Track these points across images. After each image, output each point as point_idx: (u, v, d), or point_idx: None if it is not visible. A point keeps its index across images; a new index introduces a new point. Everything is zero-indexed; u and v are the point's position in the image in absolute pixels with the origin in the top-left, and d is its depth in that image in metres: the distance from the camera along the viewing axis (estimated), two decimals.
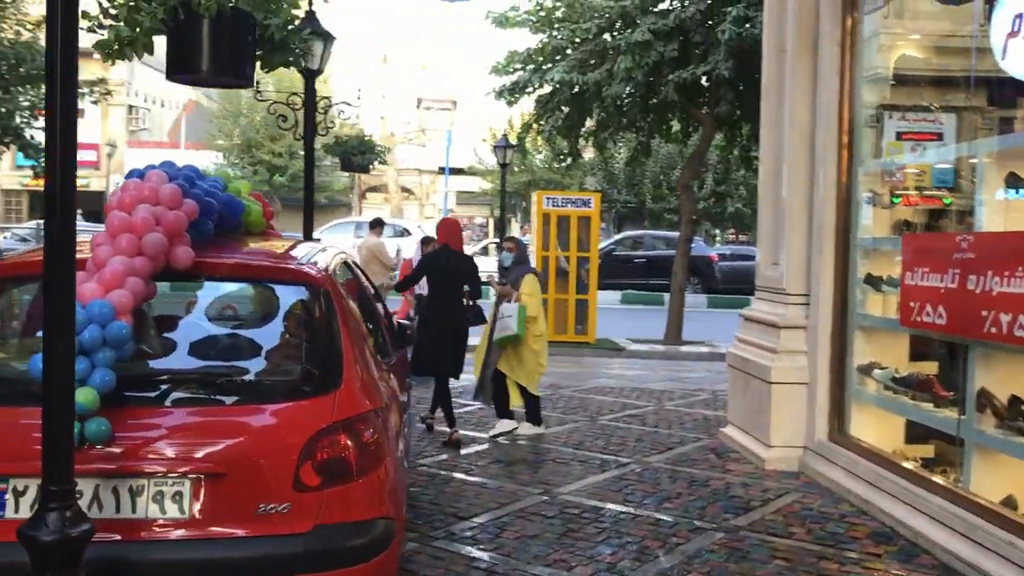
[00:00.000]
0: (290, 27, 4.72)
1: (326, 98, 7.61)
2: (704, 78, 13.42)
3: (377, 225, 12.62)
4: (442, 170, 35.56)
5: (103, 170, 35.36)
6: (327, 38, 7.03)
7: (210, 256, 3.26)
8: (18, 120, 12.49)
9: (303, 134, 7.29)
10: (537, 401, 7.66)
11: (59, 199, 2.51)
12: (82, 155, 36.14)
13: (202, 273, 3.27)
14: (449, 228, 7.53)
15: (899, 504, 5.22)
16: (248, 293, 3.47)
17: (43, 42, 8.97)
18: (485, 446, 7.14)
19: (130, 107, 36.58)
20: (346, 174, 35.98)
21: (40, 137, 13.58)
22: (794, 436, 6.55)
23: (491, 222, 36.42)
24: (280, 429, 2.96)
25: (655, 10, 13.91)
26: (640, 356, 13.63)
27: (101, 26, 3.87)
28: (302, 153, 30.37)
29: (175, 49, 4.04)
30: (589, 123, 16.19)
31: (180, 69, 4.11)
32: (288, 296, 3.35)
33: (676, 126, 16.58)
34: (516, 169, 32.93)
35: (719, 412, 8.49)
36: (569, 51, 14.33)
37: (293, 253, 3.55)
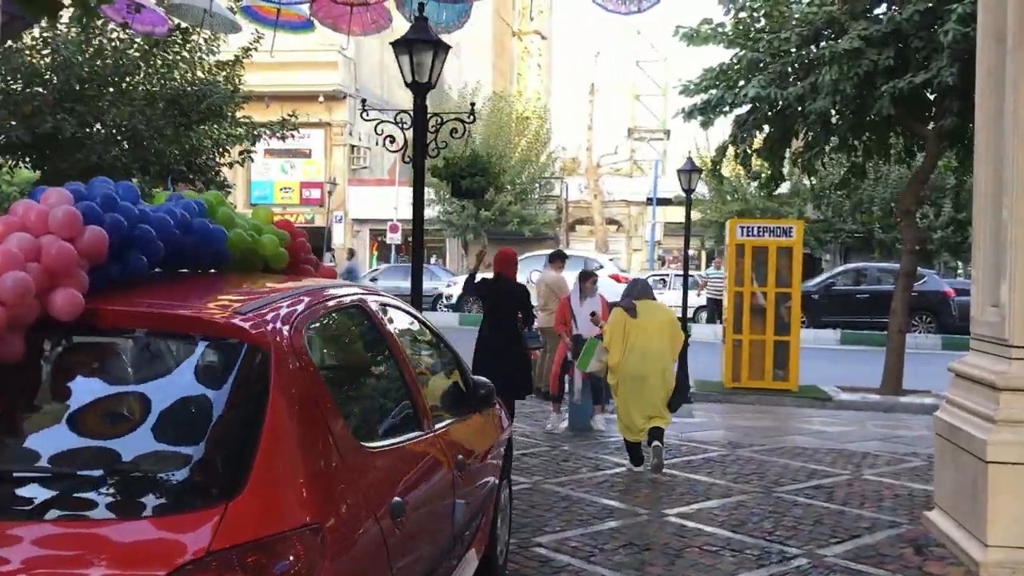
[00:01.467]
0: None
1: (436, 115, 6.89)
2: (926, 88, 11.63)
3: (557, 259, 11.78)
4: (650, 201, 34.37)
5: (326, 207, 36.99)
6: (437, 47, 6.29)
7: (112, 302, 2.46)
8: (204, 157, 12.76)
9: (412, 155, 6.59)
10: (629, 445, 7.48)
11: None
12: (308, 193, 38.25)
13: (95, 324, 2.42)
14: (504, 259, 7.93)
15: None
16: (154, 351, 2.56)
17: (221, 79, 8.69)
18: (613, 523, 6.01)
19: (352, 147, 38.14)
20: (553, 207, 35.70)
21: (224, 173, 13.90)
22: (1021, 534, 4.99)
23: (702, 254, 34.75)
24: (128, 561, 1.95)
25: (868, 15, 12.31)
26: (849, 407, 11.89)
27: None
28: (508, 187, 30.32)
29: None
30: (796, 144, 14.66)
31: None
32: (206, 357, 2.44)
33: (899, 144, 14.71)
34: (729, 198, 31.23)
35: (930, 486, 6.88)
36: (769, 64, 12.92)
37: (260, 296, 2.70)
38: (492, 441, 4.24)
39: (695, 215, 32.38)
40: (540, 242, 36.12)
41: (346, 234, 37.93)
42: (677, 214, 34.35)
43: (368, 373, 3.27)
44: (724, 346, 13.05)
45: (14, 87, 11.73)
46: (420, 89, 6.50)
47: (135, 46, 12.38)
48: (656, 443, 7.13)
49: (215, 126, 12.71)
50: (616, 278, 24.85)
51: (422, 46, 6.17)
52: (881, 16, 12.12)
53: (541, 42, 69.12)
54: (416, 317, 3.91)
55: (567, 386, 9.68)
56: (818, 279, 23.34)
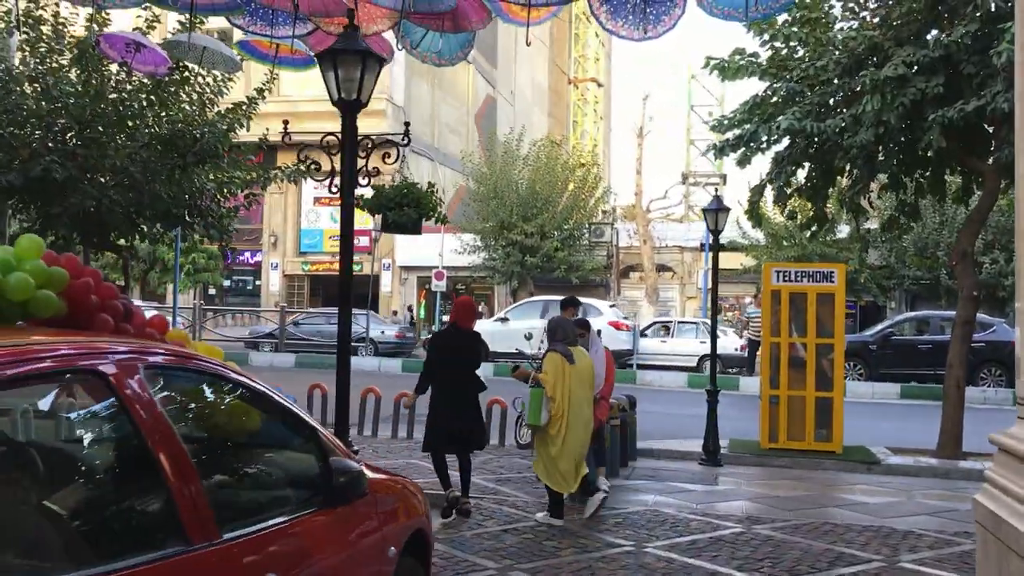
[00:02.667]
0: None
1: (368, 137, 6.09)
2: (980, 117, 10.50)
3: (570, 305, 10.82)
4: (703, 247, 33.15)
5: (373, 255, 36.62)
6: (367, 59, 5.49)
7: None
8: (207, 201, 12.16)
9: (340, 183, 5.78)
10: (557, 497, 7.30)
11: None
12: (357, 240, 37.88)
13: None
14: (462, 308, 7.62)
15: None
16: None
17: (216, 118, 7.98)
18: None
19: None
20: (603, 253, 34.69)
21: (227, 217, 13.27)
22: None
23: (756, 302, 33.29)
24: None
25: (915, 40, 11.25)
26: (899, 472, 10.61)
27: None
28: (555, 232, 29.43)
29: None
30: (843, 182, 13.55)
31: None
32: None
33: (956, 181, 13.51)
34: (785, 243, 29.91)
35: None
36: (807, 95, 11.91)
37: None
38: (351, 549, 3.25)
39: (749, 261, 31.16)
40: (588, 289, 35.11)
41: (393, 282, 37.47)
42: (732, 261, 33.13)
43: (83, 469, 2.38)
44: (761, 402, 11.88)
45: (10, 128, 11.30)
46: (348, 108, 5.71)
47: (139, 87, 11.91)
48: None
49: (212, 168, 12.10)
50: (616, 325, 23.77)
51: (349, 58, 5.39)
52: (929, 40, 11.05)
53: (598, 89, 68.68)
54: (246, 384, 3.01)
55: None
56: (876, 328, 21.89)
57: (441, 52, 10.51)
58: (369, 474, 3.41)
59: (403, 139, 6.04)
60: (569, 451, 7.04)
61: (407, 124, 6.27)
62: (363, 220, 38.39)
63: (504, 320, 25.10)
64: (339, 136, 6.06)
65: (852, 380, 19.54)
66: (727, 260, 33.87)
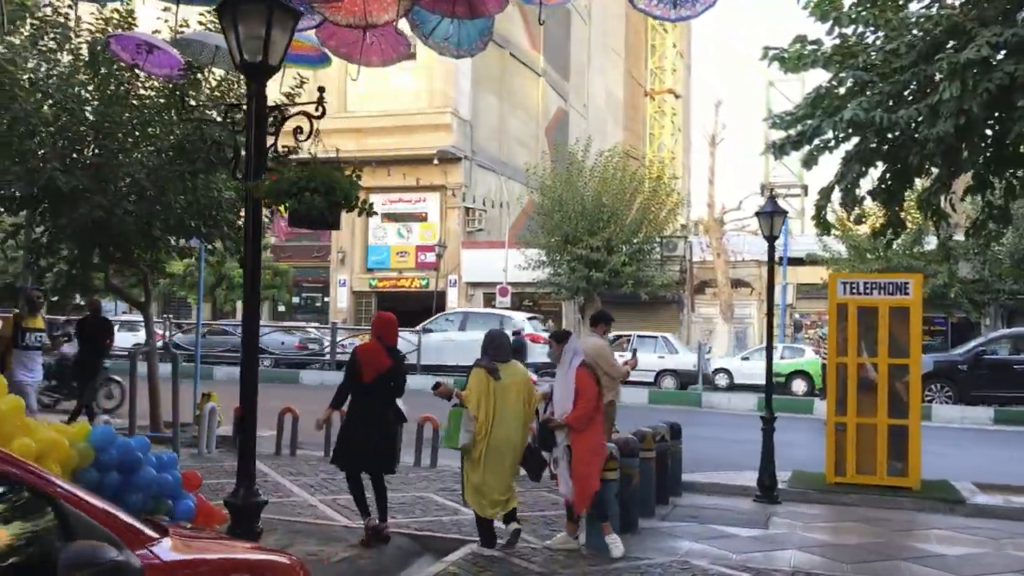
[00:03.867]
0: None
1: (278, 107, 5.07)
2: None
3: (601, 321, 9.78)
4: (781, 260, 31.46)
5: (439, 271, 35.97)
6: (273, 10, 4.46)
7: None
8: (222, 211, 11.43)
9: (245, 163, 4.79)
10: (483, 523, 6.76)
11: None
12: (423, 256, 37.37)
13: None
14: (384, 324, 7.05)
15: None
16: None
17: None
18: None
19: (467, 209, 37.14)
20: (676, 267, 33.28)
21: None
22: None
23: None
24: None
25: (1001, 20, 9.85)
26: (987, 514, 9.19)
27: None
28: (623, 246, 28.25)
29: None
30: (922, 182, 12.13)
31: None
32: None
33: None
34: (869, 256, 28.10)
35: None
36: (878, 84, 10.58)
37: None
38: None
39: (828, 275, 29.41)
40: (659, 306, 33.74)
41: (460, 298, 36.72)
42: (812, 275, 31.38)
43: None
44: (826, 429, 10.55)
45: (18, 137, 10.78)
46: (254, 72, 4.75)
47: (155, 90, 11.31)
48: (515, 525, 6.73)
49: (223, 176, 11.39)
50: (534, 338, 22.80)
51: (252, 10, 4.43)
52: (1018, 19, 9.65)
53: (675, 101, 67.13)
54: None
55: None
56: (966, 346, 20.08)
57: (459, 42, 9.62)
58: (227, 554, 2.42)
59: (317, 109, 5.08)
60: (492, 474, 6.54)
61: (321, 90, 5.25)
62: (430, 235, 37.92)
63: (428, 331, 26.04)
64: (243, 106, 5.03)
65: (939, 403, 17.85)
66: (807, 275, 32.22)
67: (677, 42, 68.63)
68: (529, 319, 26.04)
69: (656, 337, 25.64)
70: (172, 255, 12.62)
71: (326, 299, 38.76)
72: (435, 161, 35.62)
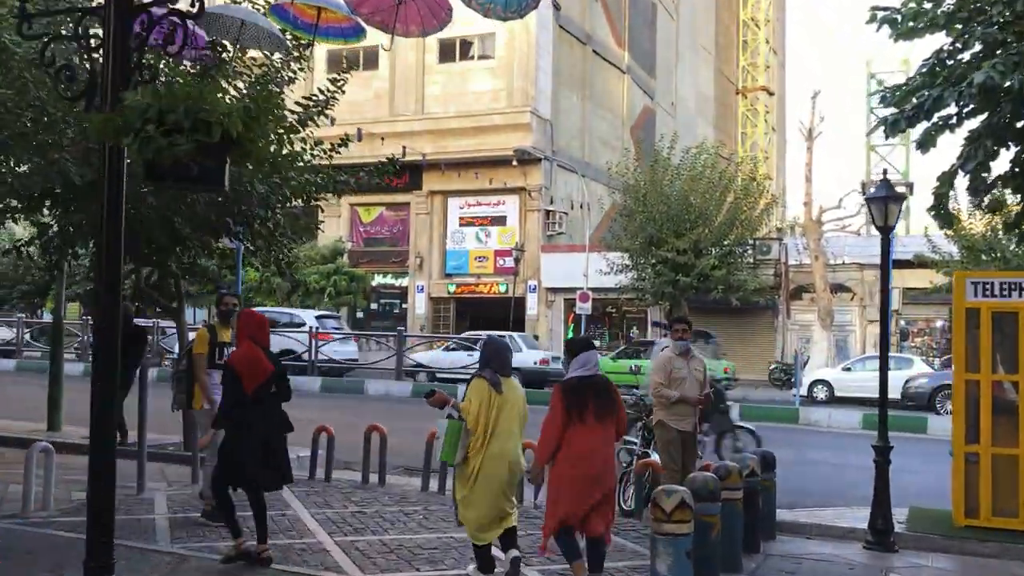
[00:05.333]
0: None
1: (145, 7, 3.61)
2: None
3: (679, 323, 8.36)
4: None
5: (518, 275, 34.64)
6: None
7: None
8: (256, 207, 10.24)
9: (100, 88, 3.37)
10: (480, 549, 6.04)
11: None
12: (502, 261, 36.09)
13: None
14: (255, 323, 6.50)
15: None
16: None
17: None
18: None
19: (547, 212, 35.74)
20: (770, 271, 31.17)
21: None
22: None
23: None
24: None
25: None
26: None
27: None
28: (712, 249, 26.39)
29: None
30: None
31: None
32: None
33: None
34: (984, 257, 25.62)
35: None
36: (1012, 44, 8.78)
37: None
38: None
39: (940, 279, 26.97)
40: (752, 312, 31.70)
41: (540, 304, 35.32)
42: (921, 278, 28.95)
43: None
44: (953, 460, 8.74)
45: (34, 127, 9.82)
46: None
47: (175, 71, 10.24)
48: (515, 552, 5.92)
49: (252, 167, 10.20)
50: None
51: None
52: None
53: (769, 99, 64.48)
54: None
55: None
56: None
57: (506, 2, 8.20)
58: None
59: (192, 4, 3.72)
60: (484, 494, 5.85)
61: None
62: (509, 239, 36.61)
63: None
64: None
65: None
66: (915, 278, 29.73)
67: (770, 38, 65.98)
68: None
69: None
70: (205, 256, 11.49)
71: (404, 305, 37.84)
72: (514, 162, 34.30)
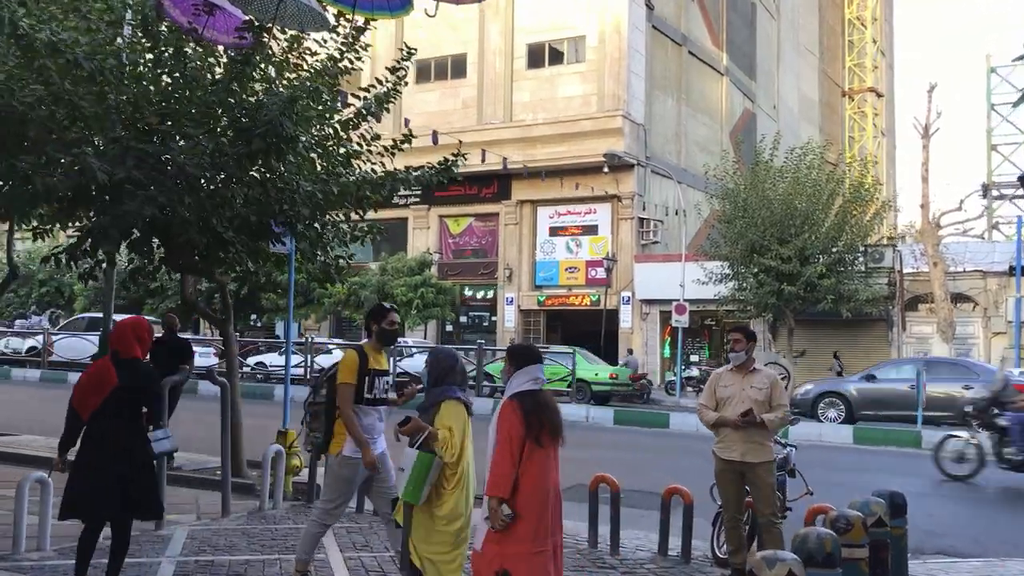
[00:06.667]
0: None
1: None
2: None
3: (748, 337, 6.89)
4: (1012, 270, 26.51)
5: (611, 286, 33.18)
6: None
7: None
8: (300, 206, 9.15)
9: None
10: None
11: None
12: (594, 272, 34.66)
13: None
14: (115, 333, 5.74)
15: None
16: None
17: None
18: None
19: (641, 220, 34.18)
20: (883, 280, 28.89)
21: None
22: None
23: None
24: None
25: None
26: None
27: None
28: (821, 257, 24.40)
29: None
30: None
31: None
32: None
33: None
34: None
35: None
36: None
37: None
38: None
39: None
40: (864, 324, 29.42)
41: (634, 316, 33.75)
42: None
43: None
44: None
45: (67, 122, 9.01)
46: None
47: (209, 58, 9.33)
48: None
49: (302, 161, 9.14)
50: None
51: None
52: None
53: (877, 100, 61.36)
54: None
55: None
56: None
57: None
58: None
59: None
60: (454, 538, 4.96)
61: None
62: (601, 249, 35.16)
63: None
64: None
65: None
66: None
67: (878, 37, 62.85)
68: None
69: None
70: (250, 261, 10.50)
71: (493, 318, 36.79)
72: (605, 169, 32.80)
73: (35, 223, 10.71)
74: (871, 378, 20.20)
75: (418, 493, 4.88)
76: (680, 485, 7.32)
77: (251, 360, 27.79)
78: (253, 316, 36.06)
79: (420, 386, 5.65)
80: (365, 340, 6.35)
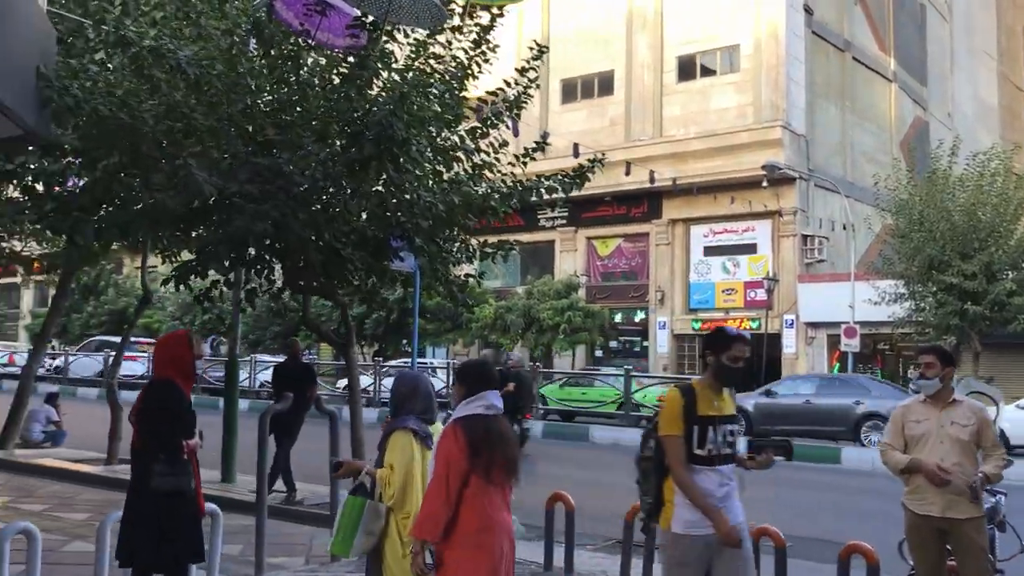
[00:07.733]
0: None
1: None
2: None
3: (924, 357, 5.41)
4: None
5: (772, 308, 31.15)
6: None
7: None
8: (420, 219, 8.22)
9: None
10: None
11: None
12: (753, 294, 32.66)
13: None
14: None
15: None
16: None
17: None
18: None
19: (804, 237, 31.99)
20: None
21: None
22: None
23: None
24: None
25: None
26: None
27: None
28: (1010, 273, 21.84)
29: None
30: None
31: None
32: None
33: None
34: None
35: None
36: None
37: None
38: None
39: None
40: None
41: (798, 341, 31.51)
42: None
43: None
44: None
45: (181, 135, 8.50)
46: None
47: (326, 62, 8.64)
48: None
49: (416, 167, 8.24)
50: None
51: None
52: None
53: None
54: None
55: None
56: None
57: None
58: None
59: None
60: None
61: None
62: (761, 269, 33.15)
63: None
64: None
65: None
66: None
67: None
68: None
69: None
70: (382, 282, 9.74)
71: (645, 343, 35.29)
72: (764, 183, 30.80)
73: (160, 246, 10.34)
74: None
75: (348, 543, 4.28)
76: (860, 540, 5.88)
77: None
78: (403, 341, 36.01)
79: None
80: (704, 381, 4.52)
